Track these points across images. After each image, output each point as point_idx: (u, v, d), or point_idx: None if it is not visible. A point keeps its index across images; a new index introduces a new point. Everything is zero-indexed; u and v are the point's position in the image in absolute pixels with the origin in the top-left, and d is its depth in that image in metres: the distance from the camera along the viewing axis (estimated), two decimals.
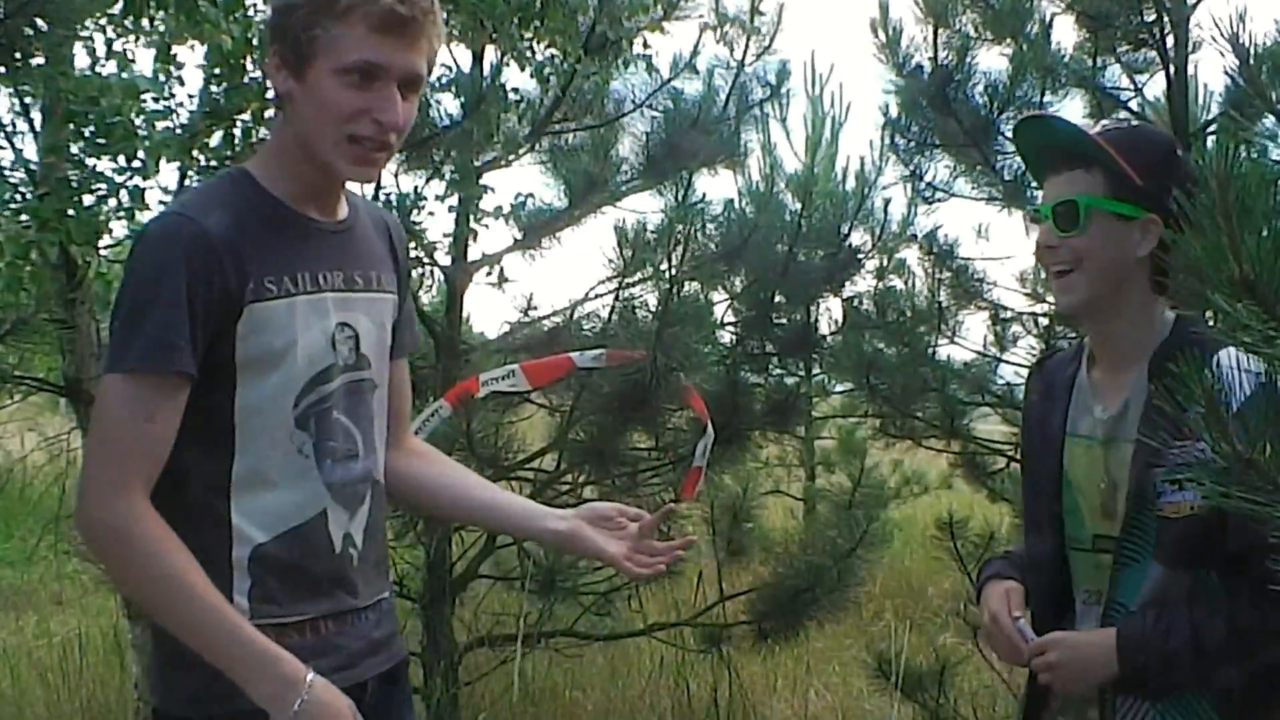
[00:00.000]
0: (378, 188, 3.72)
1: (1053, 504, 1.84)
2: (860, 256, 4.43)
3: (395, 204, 3.63)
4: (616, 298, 3.96)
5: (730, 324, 4.41)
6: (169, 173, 4.42)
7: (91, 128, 3.74)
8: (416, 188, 3.89)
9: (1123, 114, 3.94)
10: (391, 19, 1.44)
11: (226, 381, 1.49)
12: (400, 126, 1.50)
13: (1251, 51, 3.25)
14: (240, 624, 1.45)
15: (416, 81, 1.51)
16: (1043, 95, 3.83)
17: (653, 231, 3.87)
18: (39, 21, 3.14)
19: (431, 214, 3.83)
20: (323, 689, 1.45)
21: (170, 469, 1.48)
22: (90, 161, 3.87)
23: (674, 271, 3.73)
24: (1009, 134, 3.90)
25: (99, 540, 1.48)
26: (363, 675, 1.63)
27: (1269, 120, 3.54)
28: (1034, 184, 3.91)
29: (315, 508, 1.55)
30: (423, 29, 1.48)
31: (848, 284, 4.48)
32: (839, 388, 5.99)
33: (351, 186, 1.67)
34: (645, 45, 4.15)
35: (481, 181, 3.83)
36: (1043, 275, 4.07)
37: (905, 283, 4.41)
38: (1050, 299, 4.02)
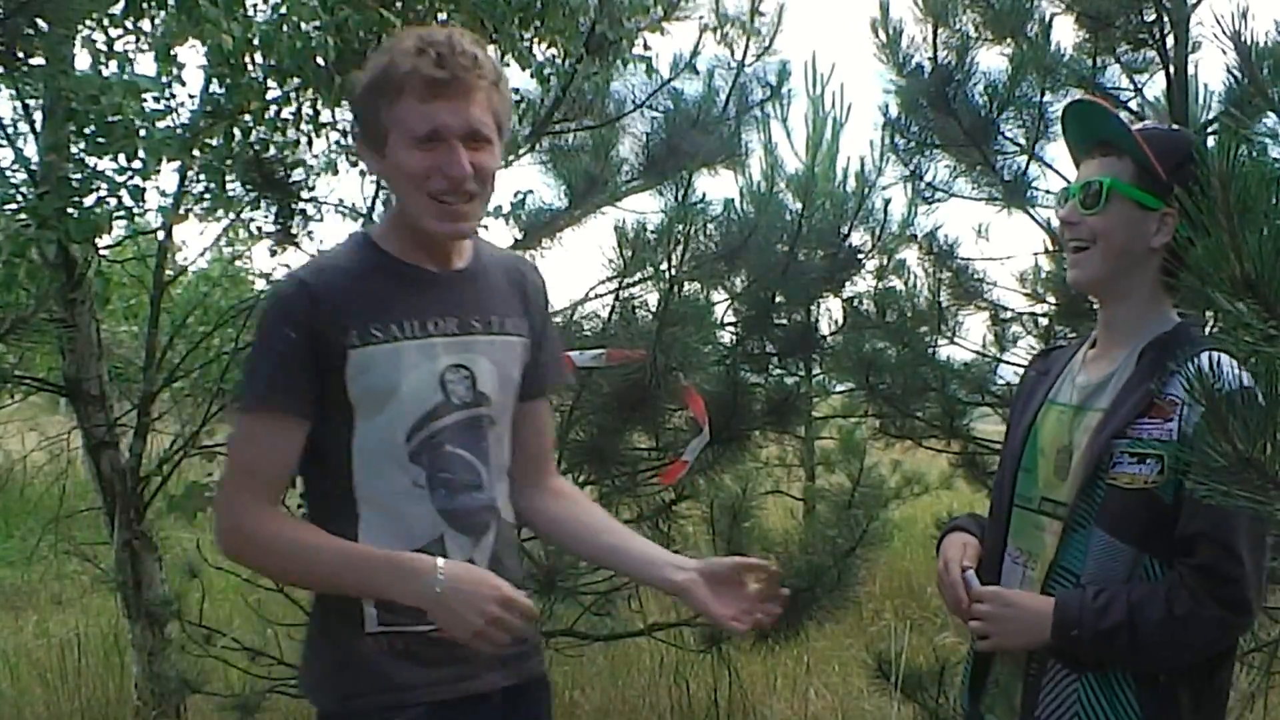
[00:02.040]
0: (378, 186, 3.72)
1: (1014, 461, 1.92)
2: (860, 256, 4.42)
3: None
4: (616, 298, 3.96)
5: (730, 324, 4.40)
6: (169, 172, 4.44)
7: (92, 127, 3.74)
8: None
9: (1123, 114, 3.95)
10: (434, 85, 1.59)
11: (345, 419, 1.67)
12: (470, 175, 1.63)
13: (1252, 50, 3.26)
14: (365, 550, 1.62)
15: (478, 133, 1.64)
16: (1042, 95, 3.83)
17: (653, 231, 3.87)
18: (39, 21, 3.14)
19: None
20: (454, 565, 1.60)
21: (312, 500, 1.72)
22: (90, 161, 3.87)
23: (674, 271, 3.73)
24: (1009, 134, 3.90)
25: (233, 547, 1.68)
26: (485, 687, 1.73)
27: (1270, 119, 3.54)
28: (1034, 183, 3.92)
29: (432, 534, 1.68)
30: (467, 84, 1.61)
31: (848, 284, 4.47)
32: (839, 388, 5.98)
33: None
34: (646, 46, 4.15)
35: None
36: (1043, 275, 4.07)
37: (905, 283, 4.41)
38: (1050, 299, 4.03)
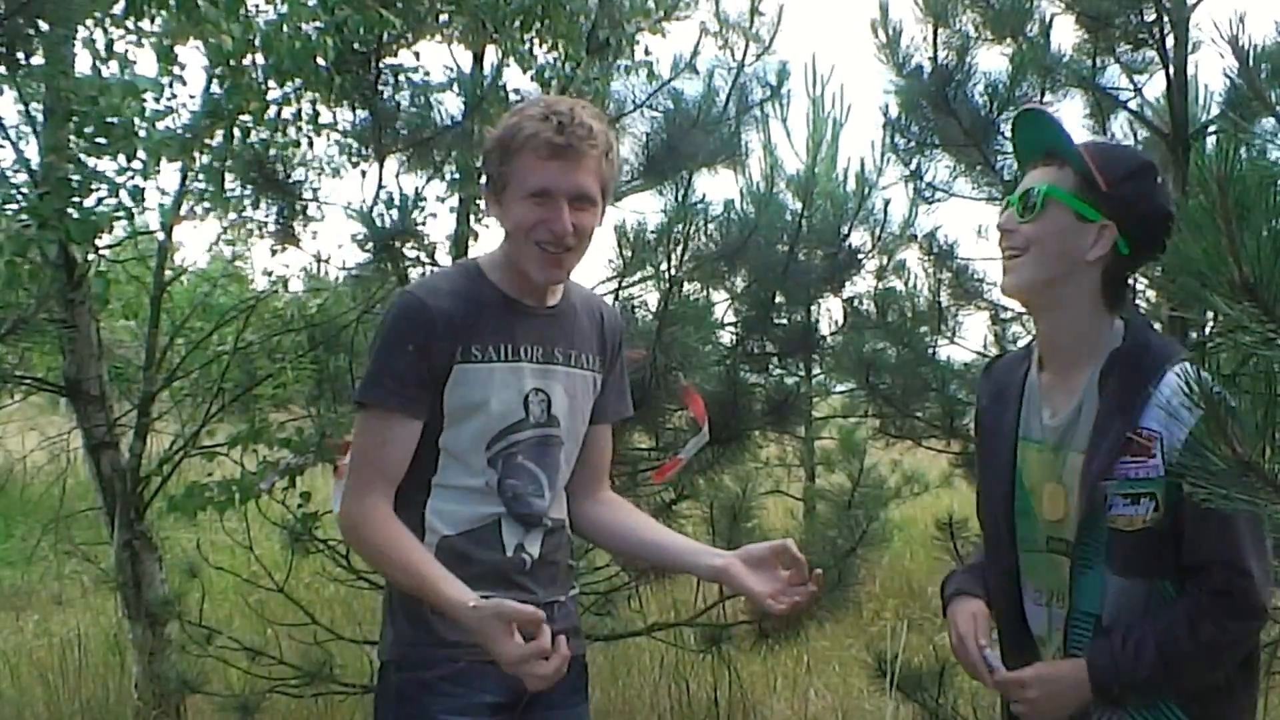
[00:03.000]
0: (379, 186, 3.73)
1: (1007, 506, 1.89)
2: (860, 256, 4.43)
3: (397, 204, 3.63)
4: (616, 298, 3.96)
5: (730, 324, 4.40)
6: (170, 172, 4.44)
7: (92, 127, 3.74)
8: (418, 188, 3.90)
9: (1122, 115, 3.94)
10: (553, 149, 1.84)
11: (436, 422, 1.92)
12: (571, 233, 1.88)
13: (1251, 53, 3.25)
14: (437, 577, 1.82)
15: (585, 196, 1.89)
16: (1042, 95, 3.82)
17: (653, 231, 3.87)
18: (39, 21, 3.14)
19: (433, 214, 3.84)
20: (495, 604, 1.75)
21: (407, 481, 1.93)
22: (91, 161, 3.87)
23: (674, 271, 3.73)
24: (1009, 134, 3.90)
25: (345, 533, 2.01)
26: None
27: (1269, 121, 3.54)
28: None
29: (491, 517, 1.95)
30: (581, 152, 1.85)
31: (848, 284, 4.47)
32: (839, 388, 5.99)
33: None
34: (646, 52, 4.15)
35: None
36: None
37: (905, 283, 4.41)
38: None
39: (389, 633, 2.01)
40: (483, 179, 2.01)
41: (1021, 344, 4.26)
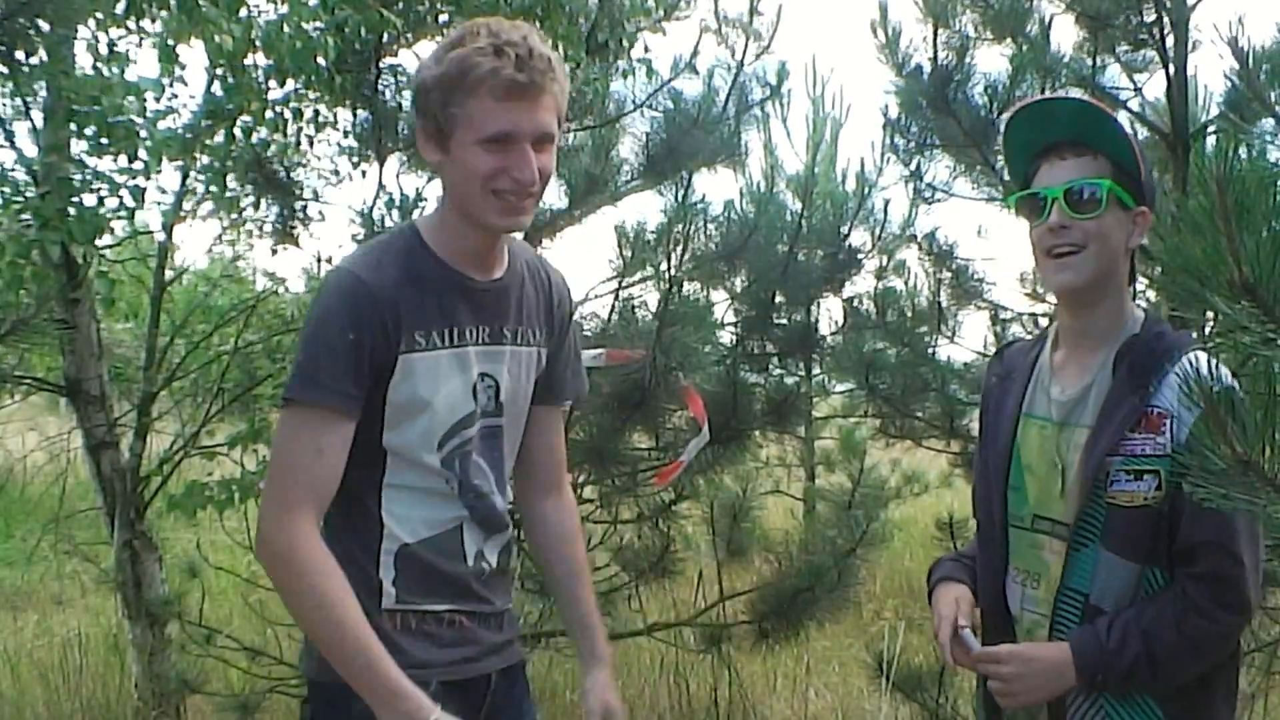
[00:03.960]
0: (379, 186, 3.73)
1: (1000, 480, 1.88)
2: (860, 256, 4.43)
3: (397, 205, 3.63)
4: (616, 298, 3.96)
5: (730, 324, 4.40)
6: (170, 172, 4.44)
7: (93, 127, 3.74)
8: (418, 188, 3.90)
9: (1122, 114, 3.94)
10: (514, 88, 1.60)
11: (374, 420, 1.69)
12: (537, 177, 1.66)
13: (1250, 54, 3.26)
14: (381, 657, 1.60)
15: (547, 137, 1.66)
16: (1042, 95, 3.83)
17: (653, 231, 3.87)
18: (40, 21, 3.14)
19: None
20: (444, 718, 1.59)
21: (349, 485, 1.68)
22: (91, 161, 3.87)
23: (674, 271, 3.73)
24: (1006, 128, 3.89)
25: (267, 562, 1.64)
26: (487, 669, 1.83)
27: (1268, 121, 3.54)
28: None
29: (454, 522, 1.77)
30: (543, 88, 1.62)
31: (848, 284, 4.48)
32: (839, 388, 5.99)
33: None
34: (645, 49, 4.15)
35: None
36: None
37: (905, 283, 4.42)
38: (1051, 299, 4.03)
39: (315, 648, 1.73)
40: (417, 120, 1.72)
41: None
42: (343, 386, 1.64)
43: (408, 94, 4.00)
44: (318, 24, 3.68)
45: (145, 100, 3.91)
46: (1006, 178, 3.92)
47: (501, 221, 1.69)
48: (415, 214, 3.76)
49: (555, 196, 4.13)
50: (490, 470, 1.81)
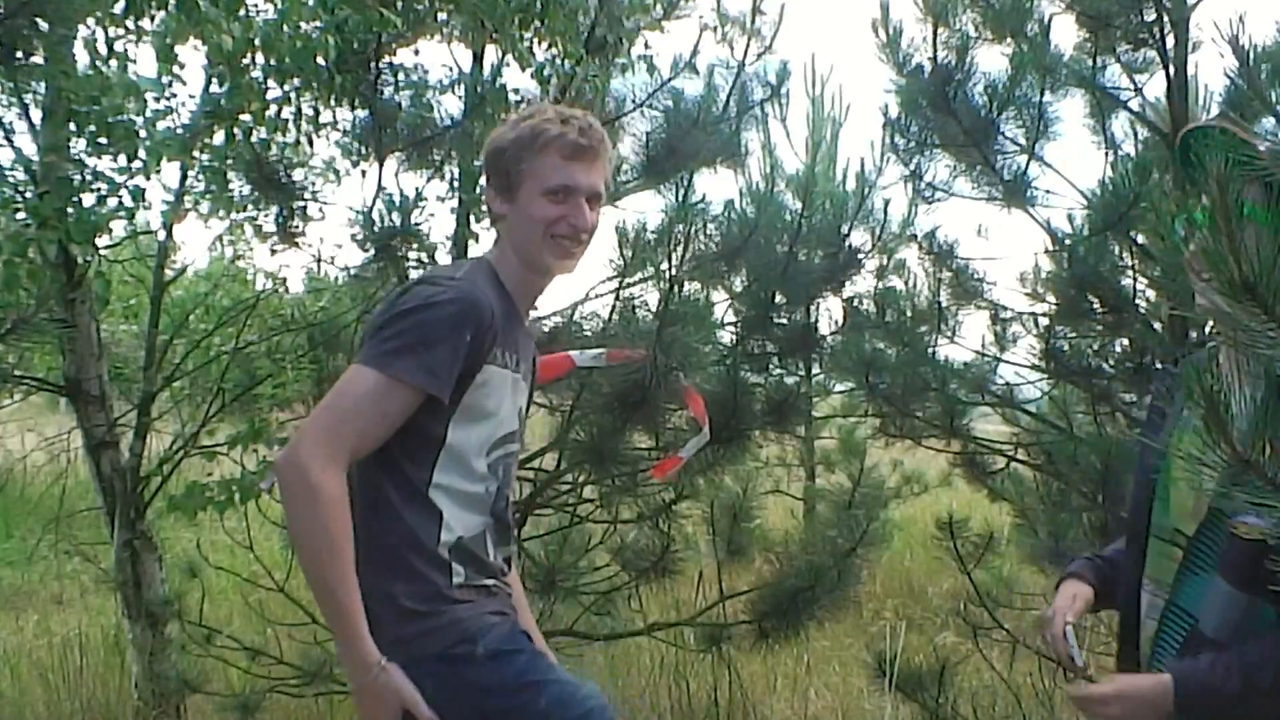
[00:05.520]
0: (379, 186, 3.72)
1: (1150, 489, 1.88)
2: (860, 256, 4.42)
3: (397, 205, 3.63)
4: (616, 298, 3.95)
5: (730, 324, 4.40)
6: (170, 172, 4.44)
7: (92, 127, 3.74)
8: (418, 188, 3.90)
9: (1123, 114, 3.94)
10: (578, 149, 1.95)
11: (446, 417, 1.87)
12: (589, 228, 1.97)
13: (1251, 53, 3.25)
14: (355, 601, 1.77)
15: (598, 196, 1.99)
16: (1042, 95, 3.83)
17: (653, 231, 3.87)
18: (39, 21, 3.14)
19: (432, 215, 3.84)
20: (393, 675, 1.80)
21: (385, 471, 1.86)
22: (90, 161, 3.87)
23: (674, 271, 3.73)
24: (1009, 134, 3.90)
25: (296, 486, 1.75)
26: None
27: (1269, 121, 3.54)
28: (1034, 183, 3.90)
29: (482, 526, 1.96)
30: (599, 155, 1.97)
31: (848, 284, 4.47)
32: (839, 388, 5.99)
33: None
34: (646, 46, 4.14)
35: (482, 182, 3.82)
36: (1043, 275, 4.07)
37: (905, 283, 4.41)
38: (1050, 299, 4.03)
39: (426, 621, 1.88)
40: (487, 179, 2.04)
41: (1022, 344, 4.29)
42: (437, 370, 1.81)
43: (407, 94, 4.00)
44: (317, 24, 3.68)
45: (145, 100, 3.91)
46: (1007, 178, 3.93)
47: (557, 263, 1.98)
48: (415, 214, 3.75)
49: None
50: (510, 486, 2.03)
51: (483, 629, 1.90)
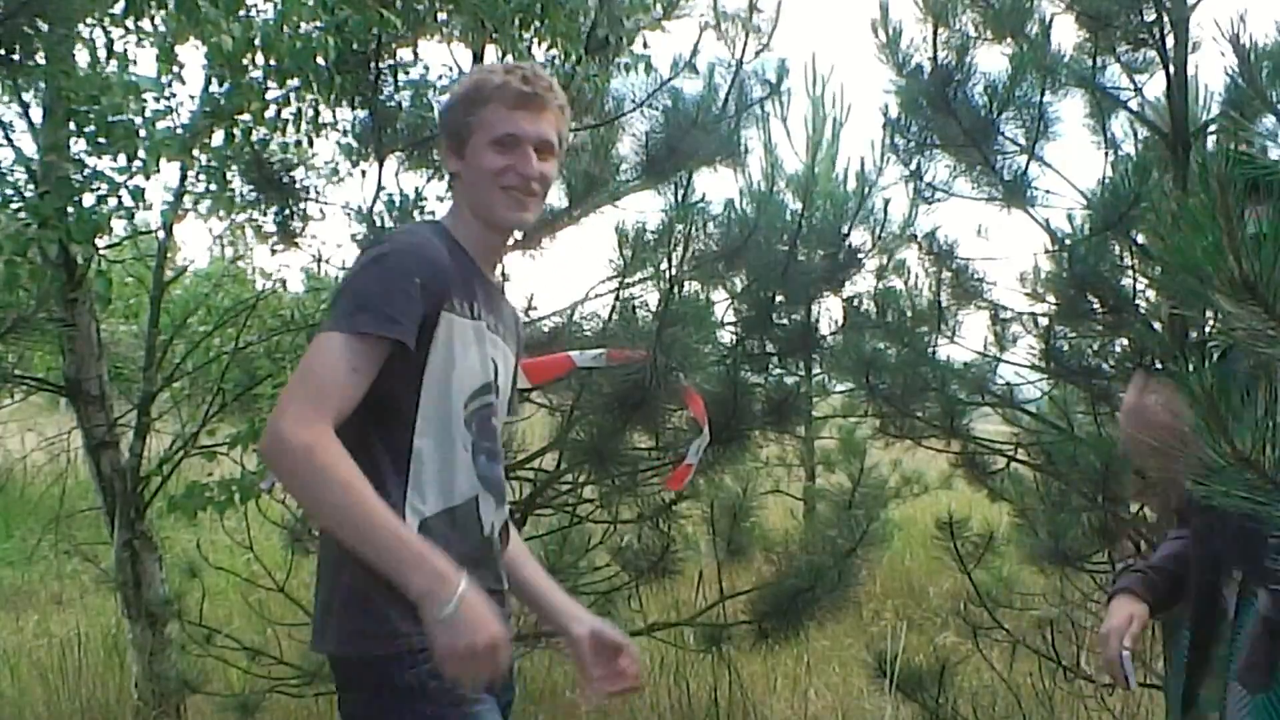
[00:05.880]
0: (379, 186, 3.72)
1: None
2: (860, 256, 4.42)
3: (397, 205, 3.63)
4: (616, 298, 3.96)
5: (730, 324, 4.40)
6: (170, 172, 4.44)
7: (92, 127, 3.74)
8: (418, 188, 3.90)
9: (1123, 114, 3.94)
10: (522, 98, 1.90)
11: (415, 375, 1.80)
12: (539, 176, 1.91)
13: (1251, 52, 3.25)
14: (402, 527, 1.68)
15: (548, 145, 1.93)
16: (1043, 95, 3.82)
17: (653, 231, 3.87)
18: (39, 21, 3.14)
19: (432, 214, 3.83)
20: (475, 592, 1.63)
21: (367, 442, 1.76)
22: (91, 161, 3.87)
23: (674, 271, 3.73)
24: (1009, 134, 3.90)
25: (287, 454, 1.66)
26: None
27: (1269, 120, 3.54)
28: (1034, 183, 3.90)
29: (470, 493, 1.86)
30: (545, 102, 1.92)
31: (848, 284, 4.47)
32: (839, 388, 5.99)
33: None
34: (645, 45, 4.14)
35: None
36: (1043, 275, 4.07)
37: (905, 283, 4.41)
38: (1051, 299, 4.03)
39: (370, 618, 1.77)
40: (441, 140, 2.01)
41: (1021, 344, 4.29)
42: (397, 317, 1.75)
43: (407, 93, 4.00)
44: (317, 24, 3.68)
45: (144, 100, 3.91)
46: (1007, 178, 3.93)
47: (509, 214, 1.92)
48: (415, 214, 3.76)
49: (555, 196, 4.13)
50: (497, 440, 1.95)
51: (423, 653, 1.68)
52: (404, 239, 1.89)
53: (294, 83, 3.87)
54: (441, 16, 3.90)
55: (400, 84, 3.93)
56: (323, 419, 1.67)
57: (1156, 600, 1.97)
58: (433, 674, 1.68)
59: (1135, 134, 3.98)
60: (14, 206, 3.71)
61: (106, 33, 4.02)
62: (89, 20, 3.92)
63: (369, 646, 1.79)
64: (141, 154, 3.84)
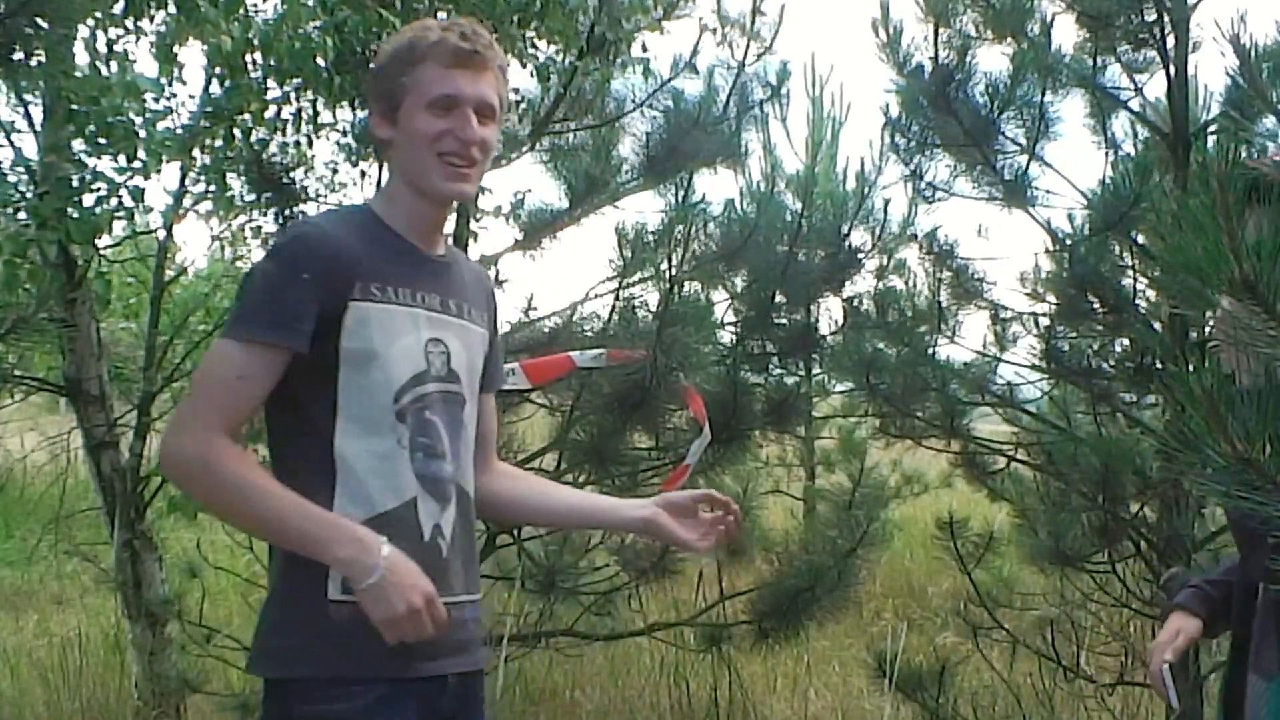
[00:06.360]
0: (378, 186, 3.72)
1: None
2: (860, 256, 4.42)
3: None
4: (616, 298, 3.95)
5: (730, 324, 4.40)
6: (170, 172, 4.44)
7: (92, 127, 3.74)
8: None
9: (1123, 114, 3.94)
10: (460, 55, 1.73)
11: (330, 373, 1.68)
12: (479, 142, 1.75)
13: (1252, 52, 3.25)
14: (315, 508, 1.62)
15: (488, 108, 1.77)
16: (1043, 95, 3.82)
17: (653, 231, 3.87)
18: (39, 21, 3.14)
19: None
20: (398, 553, 1.60)
21: (284, 453, 1.71)
22: (90, 161, 3.87)
23: (674, 271, 3.73)
24: (1009, 134, 3.90)
25: (183, 467, 1.64)
26: (444, 670, 1.74)
27: (1269, 120, 3.54)
28: (1034, 183, 3.90)
29: (408, 495, 1.70)
30: (485, 60, 1.76)
31: (848, 284, 4.47)
32: (839, 388, 5.99)
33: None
34: (644, 48, 4.14)
35: (481, 181, 3.83)
36: (1043, 275, 4.07)
37: (905, 283, 4.40)
38: (1051, 299, 4.03)
39: (276, 636, 1.70)
40: (370, 105, 1.84)
41: (1022, 344, 4.29)
42: (285, 321, 1.64)
43: None
44: (317, 24, 3.68)
45: (144, 100, 3.91)
46: (1007, 177, 3.93)
47: (447, 185, 1.76)
48: None
49: (555, 197, 4.13)
50: (446, 434, 1.76)
51: (326, 693, 1.63)
52: (301, 228, 1.81)
53: (294, 83, 3.87)
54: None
55: None
56: (211, 429, 1.62)
57: (1211, 615, 1.93)
58: (334, 714, 1.63)
59: (1135, 134, 3.98)
60: (14, 207, 3.71)
61: (106, 33, 4.02)
62: (89, 20, 3.92)
63: (275, 670, 1.69)
64: (141, 154, 3.84)
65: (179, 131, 4.01)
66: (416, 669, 1.68)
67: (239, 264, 6.05)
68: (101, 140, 3.80)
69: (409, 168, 1.78)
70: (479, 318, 1.88)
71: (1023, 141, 3.88)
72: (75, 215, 3.71)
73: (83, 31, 3.98)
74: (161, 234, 5.00)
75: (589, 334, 3.88)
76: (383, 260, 1.73)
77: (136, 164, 3.85)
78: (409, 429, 1.71)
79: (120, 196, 3.86)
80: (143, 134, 3.84)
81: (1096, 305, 3.80)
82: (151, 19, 4.01)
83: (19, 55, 3.35)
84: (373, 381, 1.69)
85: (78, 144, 3.94)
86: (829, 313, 4.55)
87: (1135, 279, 3.88)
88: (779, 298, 4.26)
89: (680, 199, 3.92)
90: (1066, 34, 3.88)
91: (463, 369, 1.81)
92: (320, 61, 3.65)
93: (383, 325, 1.70)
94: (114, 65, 4.01)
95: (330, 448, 1.67)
